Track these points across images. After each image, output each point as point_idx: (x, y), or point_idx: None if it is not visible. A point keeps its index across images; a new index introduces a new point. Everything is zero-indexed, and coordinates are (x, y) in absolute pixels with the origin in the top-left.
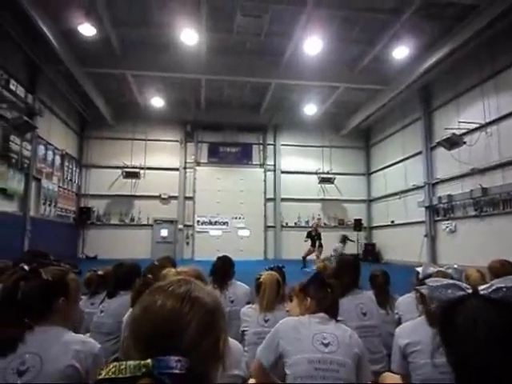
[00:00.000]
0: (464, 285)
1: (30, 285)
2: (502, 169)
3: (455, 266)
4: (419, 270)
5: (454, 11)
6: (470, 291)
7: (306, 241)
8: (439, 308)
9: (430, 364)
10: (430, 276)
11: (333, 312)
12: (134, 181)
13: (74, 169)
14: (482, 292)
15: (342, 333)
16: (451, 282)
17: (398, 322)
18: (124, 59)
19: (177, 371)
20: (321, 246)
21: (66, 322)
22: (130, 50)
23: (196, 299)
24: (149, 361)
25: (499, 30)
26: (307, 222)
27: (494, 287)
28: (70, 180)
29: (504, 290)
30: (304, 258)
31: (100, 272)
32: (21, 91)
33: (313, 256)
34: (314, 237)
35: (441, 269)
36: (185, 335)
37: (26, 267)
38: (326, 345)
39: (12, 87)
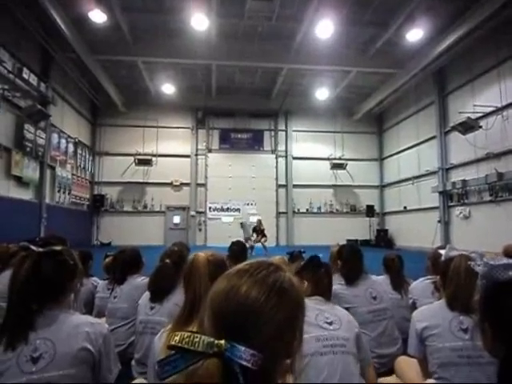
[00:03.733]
0: None
1: (48, 266)
2: None
3: (474, 251)
4: (442, 252)
5: None
6: None
7: (252, 235)
8: (491, 288)
9: (449, 348)
10: (452, 259)
11: (328, 295)
12: (146, 168)
13: (87, 156)
14: None
15: (340, 313)
16: (511, 262)
17: (413, 307)
18: (135, 46)
19: (248, 365)
20: (264, 235)
21: (70, 303)
22: (140, 36)
23: (284, 292)
24: (223, 342)
25: None
26: (319, 208)
27: None
28: (84, 168)
29: None
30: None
31: None
32: (34, 80)
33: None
34: (258, 232)
35: (464, 253)
36: (265, 329)
37: (34, 248)
38: (330, 323)
39: (25, 76)
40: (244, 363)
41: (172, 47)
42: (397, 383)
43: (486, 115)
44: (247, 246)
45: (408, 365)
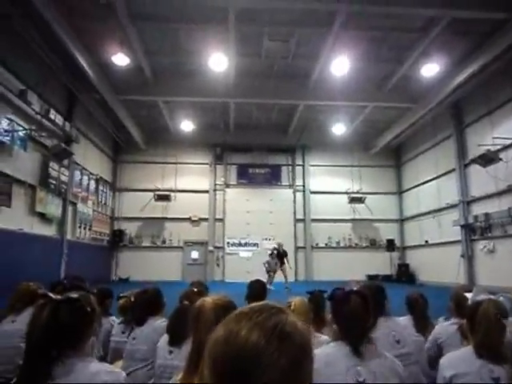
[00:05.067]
0: None
1: (65, 312)
2: None
3: (508, 294)
4: (469, 295)
5: (483, 26)
6: None
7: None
8: None
9: None
10: (481, 303)
11: (363, 336)
12: (165, 203)
13: (108, 192)
14: None
15: (379, 365)
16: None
17: (438, 352)
18: (155, 86)
19: None
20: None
21: (89, 348)
22: (161, 76)
23: (286, 336)
24: None
25: None
26: (338, 243)
27: None
28: (104, 203)
29: None
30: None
31: (133, 298)
32: (59, 120)
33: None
34: (280, 257)
35: (492, 297)
36: (266, 376)
37: (52, 296)
38: (361, 383)
39: (52, 116)
40: None
41: (191, 86)
42: None
43: (506, 147)
44: (267, 280)
45: None
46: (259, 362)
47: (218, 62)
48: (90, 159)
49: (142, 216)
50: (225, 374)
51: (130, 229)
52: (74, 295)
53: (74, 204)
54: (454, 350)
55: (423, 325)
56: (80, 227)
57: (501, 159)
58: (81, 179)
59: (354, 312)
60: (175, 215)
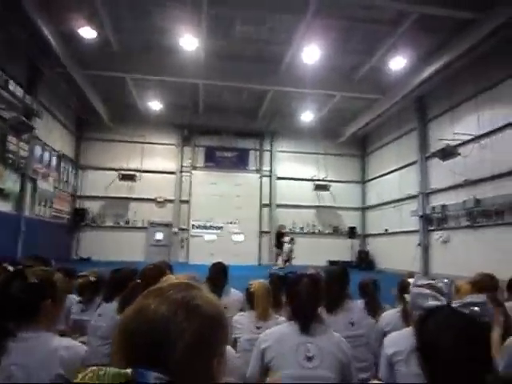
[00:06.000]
0: (441, 297)
1: (16, 286)
2: (494, 180)
3: (445, 280)
4: (411, 281)
5: (451, 24)
6: (444, 303)
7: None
8: (418, 316)
9: (414, 373)
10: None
11: (312, 317)
12: (130, 183)
13: (71, 170)
14: (453, 305)
15: (327, 342)
16: (430, 292)
17: (383, 336)
18: (124, 62)
19: None
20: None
21: (51, 323)
22: (129, 53)
23: (194, 308)
24: (129, 371)
25: (494, 44)
26: (302, 229)
27: (463, 302)
28: (66, 181)
29: (471, 306)
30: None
31: (92, 278)
32: (20, 92)
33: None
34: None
35: (432, 282)
36: (175, 347)
37: (10, 268)
38: (310, 358)
39: (11, 88)
40: None
41: (161, 65)
42: None
43: (465, 143)
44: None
45: None
46: (169, 333)
47: (190, 42)
48: (53, 135)
49: (105, 195)
50: (137, 348)
51: (93, 208)
52: (29, 268)
53: (34, 180)
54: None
55: (374, 308)
56: (40, 204)
57: (459, 154)
58: (42, 155)
59: (303, 293)
60: (140, 195)
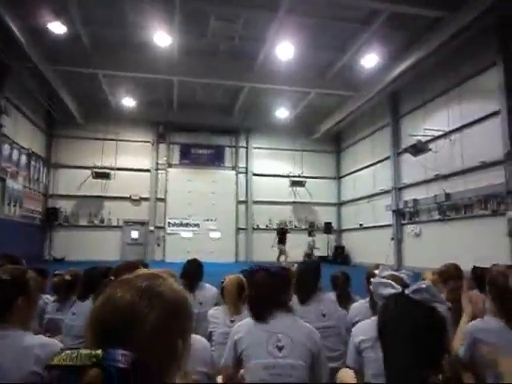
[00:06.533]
0: (396, 285)
1: None
2: (464, 175)
3: (406, 271)
4: (376, 272)
5: (421, 22)
6: (399, 291)
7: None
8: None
9: (382, 359)
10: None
11: (275, 308)
12: (104, 181)
13: (41, 168)
14: (406, 292)
15: (297, 332)
16: (388, 281)
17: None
18: (95, 58)
19: (120, 365)
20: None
21: (25, 321)
22: (101, 49)
23: (158, 294)
24: (99, 351)
25: (463, 42)
26: (278, 225)
27: (413, 289)
28: (37, 180)
29: (422, 292)
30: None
31: (67, 277)
32: None
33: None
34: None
35: (394, 273)
36: (139, 329)
37: None
38: (280, 348)
39: None
40: (116, 364)
41: (133, 61)
42: None
43: (436, 138)
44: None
45: (346, 376)
46: (134, 317)
47: (163, 38)
48: (22, 133)
49: (78, 194)
50: (106, 332)
51: (66, 207)
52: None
53: (3, 180)
54: None
55: (344, 300)
56: (9, 204)
57: (430, 149)
58: (10, 153)
59: (258, 285)
60: (115, 194)
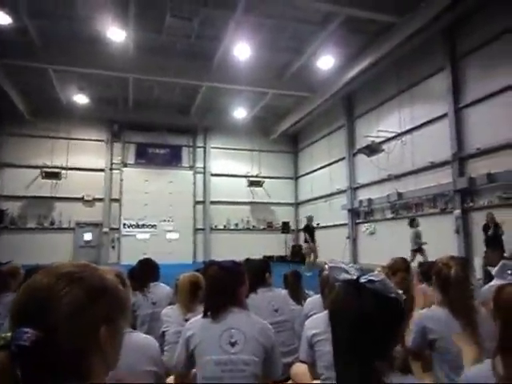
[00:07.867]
0: (352, 271)
1: None
2: (415, 175)
3: (354, 265)
4: (326, 266)
5: (375, 27)
6: (354, 277)
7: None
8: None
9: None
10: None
11: (228, 302)
12: (54, 182)
13: None
14: (361, 280)
15: (250, 327)
16: (344, 266)
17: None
18: (44, 52)
19: (22, 343)
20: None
21: None
22: (51, 43)
23: (77, 279)
24: (9, 334)
25: (414, 46)
26: (236, 225)
27: (368, 278)
28: None
29: (376, 282)
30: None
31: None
32: None
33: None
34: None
35: (344, 266)
36: (53, 310)
37: None
38: (233, 344)
39: None
40: (19, 343)
41: (86, 56)
42: None
43: (388, 140)
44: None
45: (300, 370)
46: (49, 298)
47: (117, 33)
48: None
49: (26, 195)
50: (22, 314)
51: (13, 208)
52: None
53: None
54: None
55: (296, 296)
56: None
57: (383, 150)
58: None
59: (209, 280)
60: (66, 194)
